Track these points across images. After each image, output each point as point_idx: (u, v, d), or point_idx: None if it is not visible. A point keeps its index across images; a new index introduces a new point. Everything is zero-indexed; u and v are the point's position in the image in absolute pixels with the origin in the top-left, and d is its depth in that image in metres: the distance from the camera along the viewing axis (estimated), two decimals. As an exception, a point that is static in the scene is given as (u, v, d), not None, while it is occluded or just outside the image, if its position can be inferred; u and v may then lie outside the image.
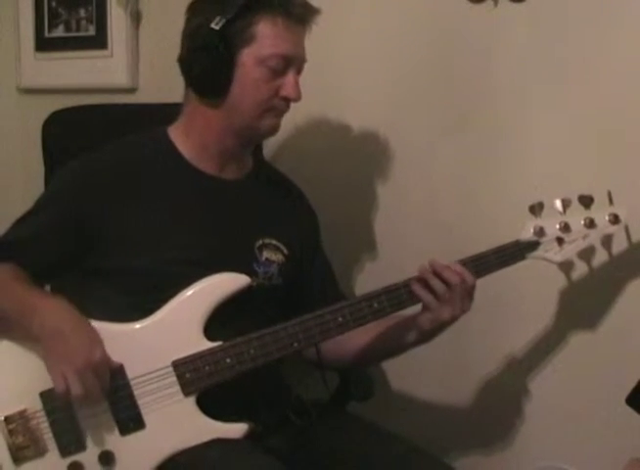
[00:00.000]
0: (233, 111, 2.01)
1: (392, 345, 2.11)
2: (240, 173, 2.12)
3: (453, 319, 1.97)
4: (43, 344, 1.85)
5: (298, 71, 2.04)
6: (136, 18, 2.82)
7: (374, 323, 2.01)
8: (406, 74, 2.46)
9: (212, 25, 1.95)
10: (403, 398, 2.55)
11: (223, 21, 1.95)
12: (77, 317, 1.87)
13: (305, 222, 2.22)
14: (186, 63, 2.02)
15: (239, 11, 1.96)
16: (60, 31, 2.95)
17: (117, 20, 2.84)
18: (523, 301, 2.35)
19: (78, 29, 2.92)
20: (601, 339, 2.27)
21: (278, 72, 2.00)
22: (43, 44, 2.98)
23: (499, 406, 2.44)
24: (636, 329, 2.22)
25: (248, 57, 1.98)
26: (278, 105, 2.03)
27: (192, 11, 2.04)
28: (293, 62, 2.01)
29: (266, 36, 1.98)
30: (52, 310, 1.86)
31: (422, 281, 1.96)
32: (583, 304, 2.30)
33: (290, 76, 2.01)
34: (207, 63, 1.97)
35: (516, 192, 2.30)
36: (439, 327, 1.99)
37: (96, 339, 1.86)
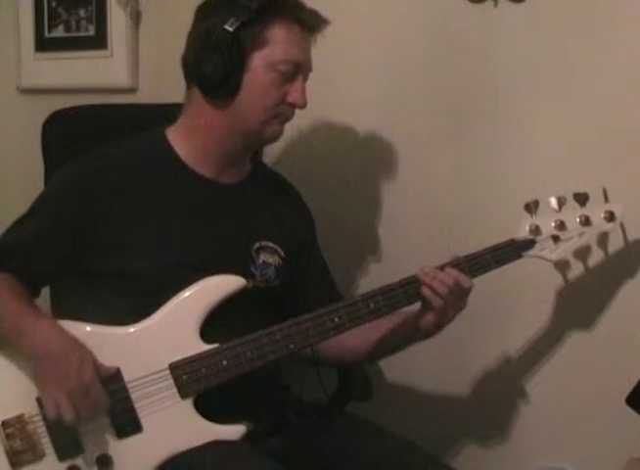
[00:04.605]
0: (239, 114, 2.01)
1: (390, 343, 2.11)
2: (238, 177, 2.12)
3: (452, 319, 1.99)
4: (33, 366, 1.86)
5: (305, 79, 2.03)
6: (136, 18, 2.82)
7: (373, 322, 2.00)
8: (406, 75, 2.46)
9: (226, 27, 1.95)
10: (403, 398, 2.54)
11: (237, 23, 1.95)
12: (67, 339, 1.87)
13: (302, 223, 2.22)
14: (195, 63, 2.00)
15: (254, 14, 1.96)
16: (60, 31, 2.95)
17: (117, 20, 2.83)
18: (519, 299, 2.35)
19: (78, 29, 2.92)
20: (599, 337, 2.27)
21: (287, 78, 2.00)
22: (43, 44, 2.98)
23: (499, 406, 2.44)
24: (635, 328, 2.22)
25: (259, 61, 1.98)
26: (284, 111, 2.03)
27: (202, 12, 2.03)
28: (301, 69, 2.01)
29: (279, 41, 1.98)
30: (42, 333, 1.87)
31: (426, 284, 1.96)
32: (580, 302, 2.29)
33: (298, 83, 2.01)
34: (219, 64, 1.96)
35: (514, 190, 2.29)
36: (441, 326, 2.00)
37: (86, 359, 1.86)
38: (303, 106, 2.03)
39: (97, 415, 1.86)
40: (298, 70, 2.01)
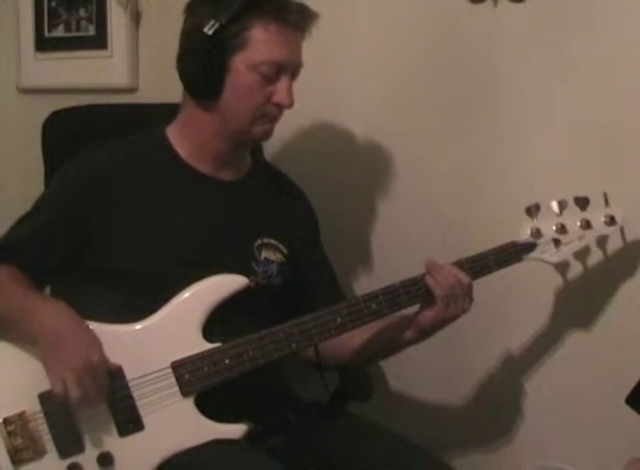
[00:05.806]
0: (225, 115, 2.01)
1: (391, 343, 2.11)
2: (238, 174, 2.12)
3: (455, 318, 1.99)
4: (41, 347, 1.85)
5: (293, 77, 2.02)
6: (136, 18, 2.82)
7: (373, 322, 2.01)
8: (406, 75, 2.46)
9: (205, 30, 1.94)
10: (403, 398, 2.55)
11: (216, 25, 1.94)
12: (76, 320, 1.88)
13: (305, 221, 2.22)
14: (179, 65, 2.02)
15: (232, 16, 1.94)
16: (60, 31, 2.94)
17: (117, 20, 2.83)
18: (519, 301, 2.36)
19: (78, 29, 2.91)
20: (599, 339, 2.28)
21: (270, 79, 1.98)
22: (43, 44, 2.97)
23: (499, 406, 2.44)
24: (634, 329, 2.22)
25: (240, 62, 1.97)
26: (270, 111, 2.02)
27: (188, 12, 2.03)
28: (286, 68, 1.99)
29: (259, 42, 1.96)
30: (50, 314, 1.87)
31: (432, 275, 1.97)
32: (580, 304, 2.30)
33: (282, 83, 1.99)
34: (199, 67, 1.97)
35: (513, 189, 2.30)
36: (441, 325, 2.01)
37: (94, 341, 1.87)
38: (290, 106, 2.01)
39: (99, 399, 1.86)
40: (282, 69, 1.99)
